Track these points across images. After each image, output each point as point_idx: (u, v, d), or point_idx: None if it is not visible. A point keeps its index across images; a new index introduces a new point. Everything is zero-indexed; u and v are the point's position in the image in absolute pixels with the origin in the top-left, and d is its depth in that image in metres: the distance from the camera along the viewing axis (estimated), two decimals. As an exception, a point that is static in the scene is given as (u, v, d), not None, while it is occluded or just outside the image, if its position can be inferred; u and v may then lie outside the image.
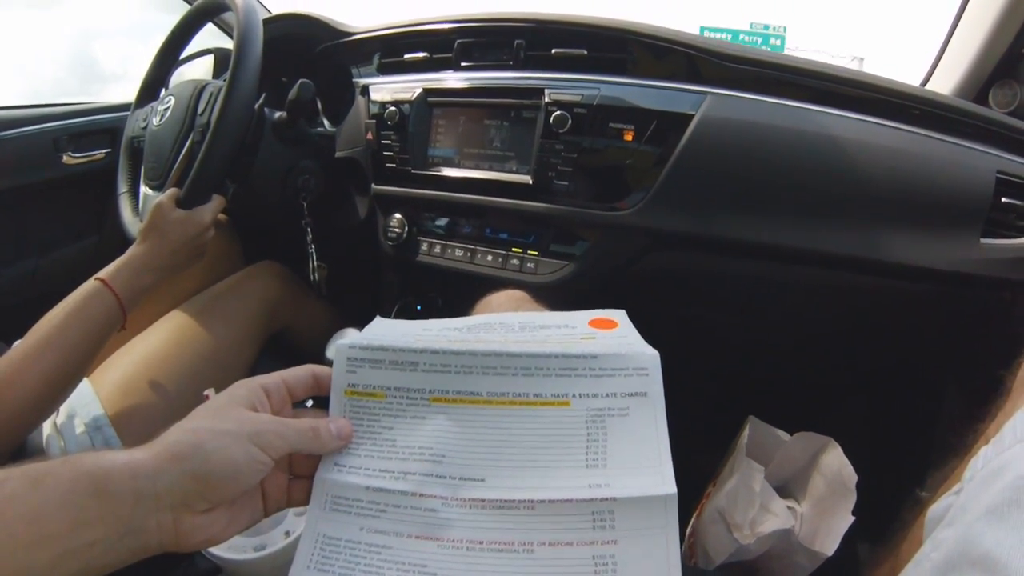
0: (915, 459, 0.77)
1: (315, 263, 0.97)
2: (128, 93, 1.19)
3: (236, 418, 0.35)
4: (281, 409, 0.38)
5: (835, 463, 0.66)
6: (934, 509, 0.40)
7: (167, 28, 1.00)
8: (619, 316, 0.47)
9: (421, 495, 0.36)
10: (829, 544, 0.61)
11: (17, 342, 0.81)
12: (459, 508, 0.35)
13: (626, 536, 0.34)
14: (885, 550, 0.58)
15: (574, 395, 0.38)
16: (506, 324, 0.46)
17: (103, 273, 0.72)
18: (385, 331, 0.45)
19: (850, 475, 0.63)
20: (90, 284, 0.71)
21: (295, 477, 0.39)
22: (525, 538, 0.34)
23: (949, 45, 0.91)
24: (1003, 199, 0.68)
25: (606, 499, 0.35)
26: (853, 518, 0.60)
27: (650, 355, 0.39)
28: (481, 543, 0.34)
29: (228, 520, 0.35)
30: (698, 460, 0.77)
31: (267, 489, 0.38)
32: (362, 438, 0.39)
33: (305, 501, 0.38)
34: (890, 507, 0.62)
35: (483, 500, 0.35)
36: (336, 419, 0.38)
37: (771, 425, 0.72)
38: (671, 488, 0.35)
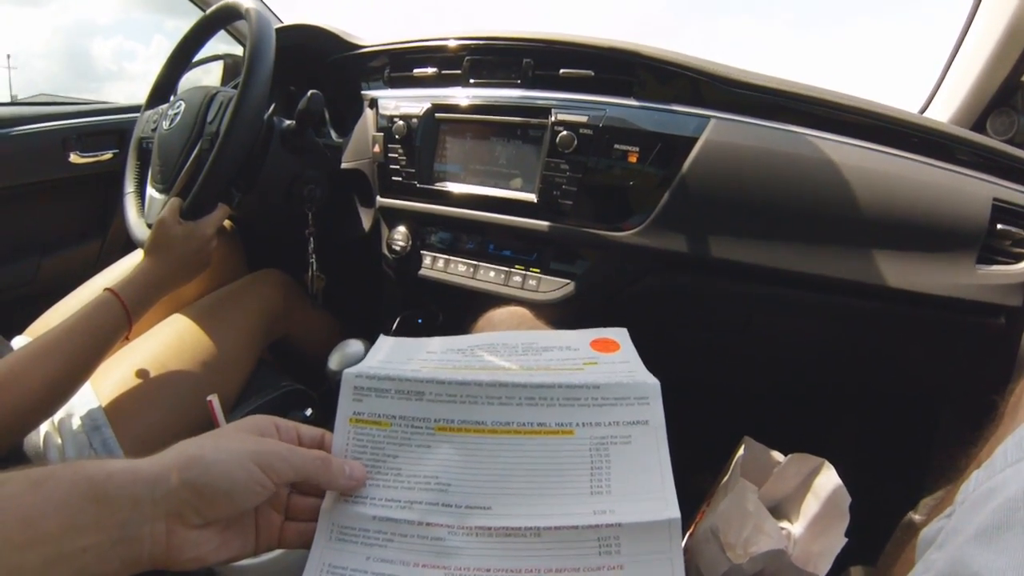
0: (909, 482, 0.77)
1: (314, 273, 0.98)
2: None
3: (241, 439, 0.36)
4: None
5: (829, 485, 0.66)
6: (926, 532, 0.41)
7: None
8: (620, 336, 0.48)
9: (427, 524, 0.36)
10: (822, 565, 0.61)
11: (17, 338, 0.82)
12: (465, 536, 0.35)
13: (632, 561, 0.34)
14: (877, 572, 0.58)
15: (577, 424, 0.38)
16: (509, 345, 0.47)
17: (113, 285, 0.73)
18: (391, 354, 0.45)
19: (844, 497, 0.64)
20: (100, 294, 0.72)
21: (290, 520, 0.39)
22: (531, 565, 0.34)
23: (948, 73, 0.92)
24: (999, 225, 0.69)
25: (611, 525, 0.35)
26: (846, 540, 0.61)
27: (651, 384, 0.39)
28: (488, 571, 0.34)
29: (219, 543, 0.35)
30: (692, 480, 0.77)
31: (260, 525, 0.38)
32: (367, 467, 0.39)
33: (296, 544, 0.38)
34: (883, 530, 0.63)
35: (489, 528, 0.36)
36: (351, 462, 0.39)
37: (766, 446, 0.72)
38: (675, 513, 0.36)
